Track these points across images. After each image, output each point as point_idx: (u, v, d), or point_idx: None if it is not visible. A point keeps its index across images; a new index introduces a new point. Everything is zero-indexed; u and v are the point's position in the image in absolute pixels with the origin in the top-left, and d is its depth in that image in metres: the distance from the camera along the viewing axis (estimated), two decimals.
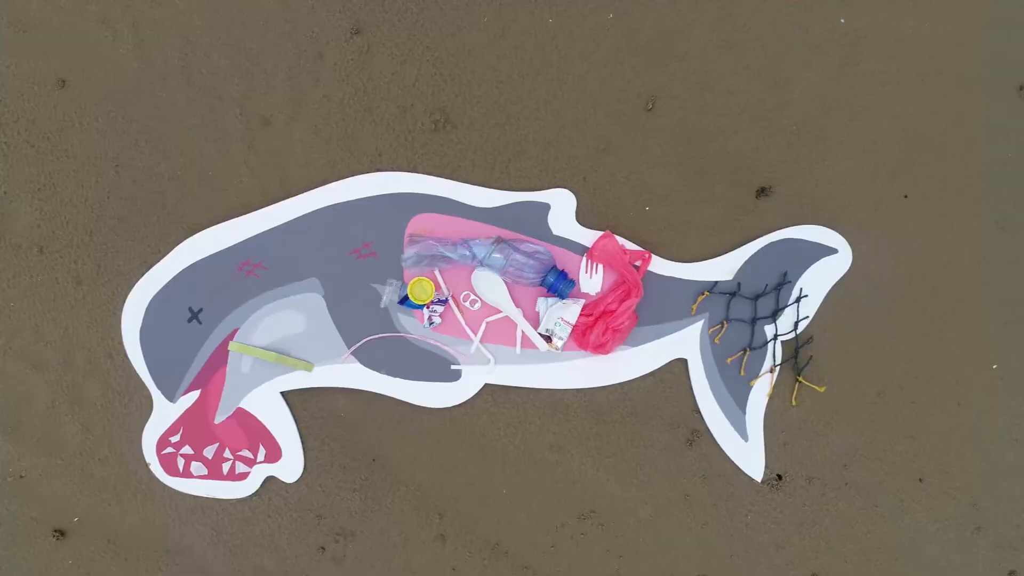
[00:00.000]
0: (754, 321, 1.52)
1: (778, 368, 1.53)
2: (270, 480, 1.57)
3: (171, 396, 1.54)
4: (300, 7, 1.49)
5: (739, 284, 1.52)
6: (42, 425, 1.57)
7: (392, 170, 1.50)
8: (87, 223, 1.52)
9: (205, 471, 1.56)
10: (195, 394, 1.54)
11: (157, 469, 1.56)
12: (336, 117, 1.50)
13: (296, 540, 1.59)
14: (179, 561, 1.60)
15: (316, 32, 1.49)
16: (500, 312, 1.50)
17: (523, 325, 1.49)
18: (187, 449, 1.55)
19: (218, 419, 1.54)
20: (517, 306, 1.49)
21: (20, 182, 1.51)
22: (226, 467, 1.55)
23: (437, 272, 1.50)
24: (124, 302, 1.52)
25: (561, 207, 1.50)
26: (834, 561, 1.59)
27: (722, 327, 1.53)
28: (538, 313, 1.48)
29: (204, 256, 1.51)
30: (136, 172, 1.51)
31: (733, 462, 1.56)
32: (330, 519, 1.58)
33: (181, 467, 1.56)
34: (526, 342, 1.51)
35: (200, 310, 1.52)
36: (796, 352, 1.53)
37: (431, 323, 1.49)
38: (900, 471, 1.57)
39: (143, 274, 1.52)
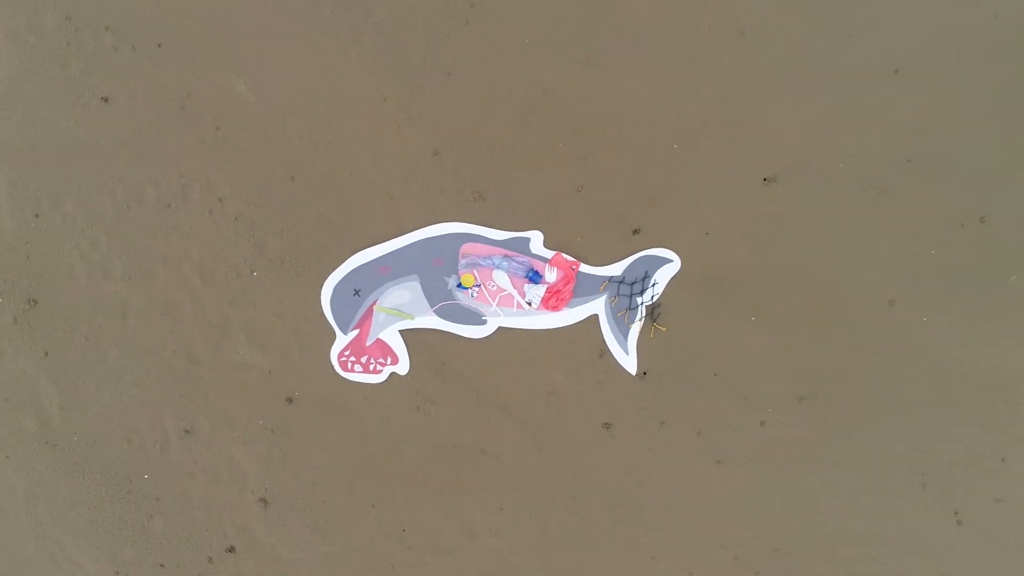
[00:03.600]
0: (631, 296, 3.09)
1: (643, 319, 3.10)
2: (393, 374, 3.17)
3: (345, 331, 3.14)
4: (409, 136, 3.02)
5: (624, 277, 3.07)
6: (283, 348, 3.18)
7: (452, 221, 3.06)
8: (304, 248, 3.10)
9: (361, 369, 3.17)
10: (357, 331, 3.13)
11: (338, 369, 3.17)
12: (425, 196, 3.05)
13: (405, 403, 3.20)
14: (345, 415, 3.22)
15: (413, 154, 3.03)
16: (506, 291, 3.08)
17: (517, 298, 3.07)
18: (352, 359, 3.16)
19: (368, 343, 3.14)
20: (514, 288, 3.07)
21: (270, 225, 3.08)
22: (371, 367, 3.16)
23: (475, 272, 3.08)
24: (322, 286, 3.11)
25: (536, 239, 3.05)
26: (675, 415, 3.18)
27: (616, 298, 3.09)
28: (524, 291, 3.06)
29: (362, 263, 3.09)
30: (326, 224, 3.08)
31: (621, 365, 3.14)
32: (422, 393, 3.19)
33: (350, 367, 3.17)
34: (519, 306, 3.09)
35: (360, 289, 3.11)
36: (652, 311, 3.10)
37: (472, 297, 3.07)
38: (700, 367, 3.15)
39: (331, 272, 3.10)
